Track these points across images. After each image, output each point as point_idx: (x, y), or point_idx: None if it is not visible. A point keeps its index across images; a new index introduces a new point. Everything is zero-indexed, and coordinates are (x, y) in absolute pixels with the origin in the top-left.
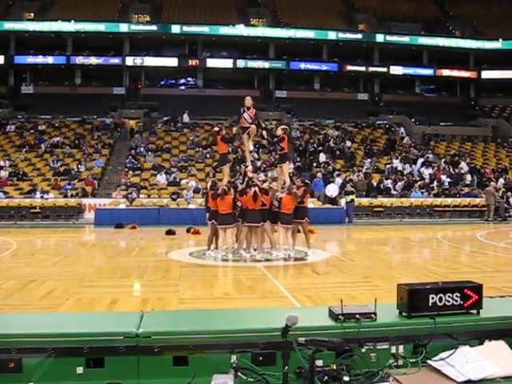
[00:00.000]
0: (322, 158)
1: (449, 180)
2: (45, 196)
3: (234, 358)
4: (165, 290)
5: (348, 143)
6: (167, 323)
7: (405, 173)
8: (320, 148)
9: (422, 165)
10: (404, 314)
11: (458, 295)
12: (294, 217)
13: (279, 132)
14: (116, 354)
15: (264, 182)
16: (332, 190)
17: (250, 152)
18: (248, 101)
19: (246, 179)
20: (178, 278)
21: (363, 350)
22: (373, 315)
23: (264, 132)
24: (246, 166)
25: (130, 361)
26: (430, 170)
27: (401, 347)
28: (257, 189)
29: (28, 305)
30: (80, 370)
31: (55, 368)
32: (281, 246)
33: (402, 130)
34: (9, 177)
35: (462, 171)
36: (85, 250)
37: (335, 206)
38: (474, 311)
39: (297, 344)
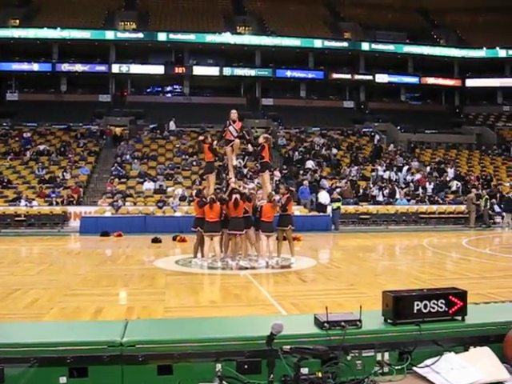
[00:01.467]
0: (309, 165)
1: (432, 187)
2: (30, 204)
3: (218, 366)
4: (150, 299)
5: (334, 151)
6: (152, 332)
7: (390, 180)
8: (306, 156)
9: (407, 172)
10: (389, 321)
11: (443, 302)
12: (278, 224)
13: (261, 140)
14: (100, 363)
15: (245, 188)
16: (325, 197)
17: (234, 166)
18: (234, 114)
19: (229, 189)
20: (163, 286)
21: (349, 358)
22: (358, 322)
23: (249, 145)
24: (229, 178)
25: (114, 370)
26: (415, 177)
27: (386, 354)
28: (238, 196)
29: (12, 314)
30: (63, 379)
31: (38, 378)
32: (264, 253)
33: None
34: None
35: (448, 178)
36: (70, 258)
37: (321, 214)
38: (459, 318)
39: (282, 352)
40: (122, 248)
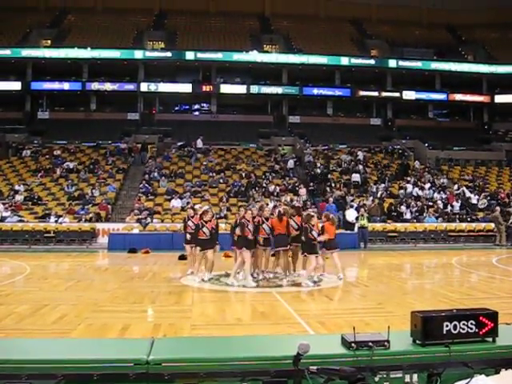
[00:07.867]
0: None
1: (459, 205)
2: (59, 220)
3: None
4: (177, 316)
5: (361, 168)
6: (178, 350)
7: (418, 197)
8: (333, 173)
9: (435, 189)
10: (418, 341)
11: (473, 323)
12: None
13: None
14: (126, 381)
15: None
16: (353, 215)
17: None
18: (266, 211)
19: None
20: (190, 304)
21: (376, 379)
22: (386, 343)
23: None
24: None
25: None
26: (444, 195)
27: (415, 376)
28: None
29: (40, 329)
30: None
31: None
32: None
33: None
34: (24, 201)
35: (477, 196)
36: (98, 274)
37: (348, 231)
38: (490, 339)
39: (308, 372)
40: (150, 265)
